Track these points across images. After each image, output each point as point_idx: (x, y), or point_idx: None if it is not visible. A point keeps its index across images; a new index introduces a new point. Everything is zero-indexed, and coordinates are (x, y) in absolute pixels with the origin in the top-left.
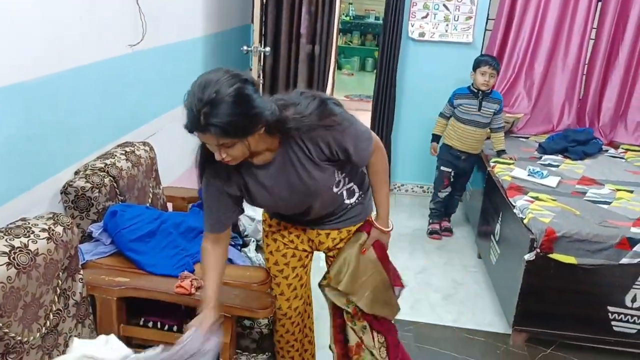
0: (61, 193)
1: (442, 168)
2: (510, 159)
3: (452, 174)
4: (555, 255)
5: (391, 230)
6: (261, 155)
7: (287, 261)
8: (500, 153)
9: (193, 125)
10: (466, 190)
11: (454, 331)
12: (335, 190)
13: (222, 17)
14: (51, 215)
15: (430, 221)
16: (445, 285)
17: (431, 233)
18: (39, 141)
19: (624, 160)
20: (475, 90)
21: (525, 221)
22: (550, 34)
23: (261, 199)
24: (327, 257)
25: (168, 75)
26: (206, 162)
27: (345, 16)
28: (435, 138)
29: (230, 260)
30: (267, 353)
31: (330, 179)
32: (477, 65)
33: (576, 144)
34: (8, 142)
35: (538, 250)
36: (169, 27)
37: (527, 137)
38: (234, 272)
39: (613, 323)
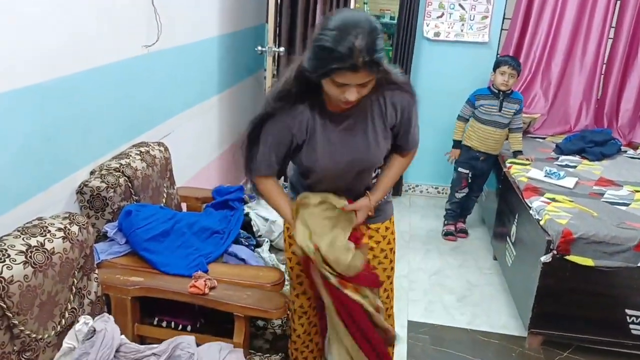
0: (77, 193)
1: (460, 169)
2: (527, 160)
3: (470, 175)
4: (572, 257)
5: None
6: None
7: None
8: (516, 154)
9: (352, 63)
10: (482, 192)
11: (469, 333)
12: (376, 171)
13: (236, 17)
14: (67, 215)
15: (446, 222)
16: (460, 287)
17: (446, 234)
18: (55, 141)
19: None
20: (496, 91)
21: (541, 222)
22: (567, 33)
23: (320, 154)
24: None
25: (182, 75)
26: (287, 97)
27: None
28: (457, 144)
29: (243, 261)
30: (280, 353)
31: (384, 152)
32: (497, 65)
33: (594, 144)
34: (25, 143)
35: (555, 252)
36: (184, 27)
37: (544, 138)
38: (248, 272)
39: (631, 326)
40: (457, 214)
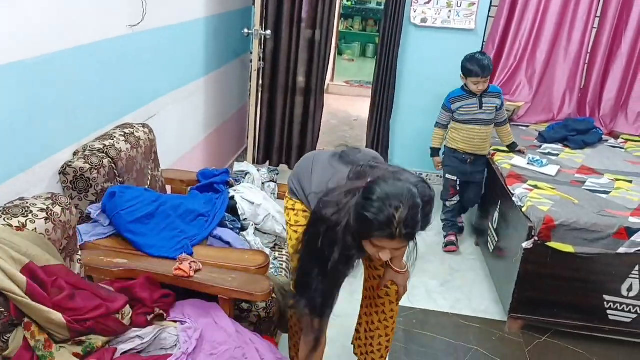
0: (60, 173)
1: (448, 176)
2: (523, 152)
3: (458, 182)
4: (553, 244)
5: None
6: None
7: None
8: (512, 147)
9: (390, 233)
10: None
11: (450, 317)
12: None
13: None
14: (49, 196)
15: (445, 233)
16: (442, 272)
17: (446, 245)
18: (37, 121)
19: (623, 151)
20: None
21: (523, 209)
22: (553, 23)
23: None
24: None
25: (168, 57)
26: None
27: (347, 1)
28: (435, 152)
29: (228, 244)
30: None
31: None
32: (467, 73)
33: (576, 133)
34: (6, 121)
35: (536, 238)
36: (170, 8)
37: (527, 126)
38: (233, 255)
39: (609, 312)
40: (454, 223)
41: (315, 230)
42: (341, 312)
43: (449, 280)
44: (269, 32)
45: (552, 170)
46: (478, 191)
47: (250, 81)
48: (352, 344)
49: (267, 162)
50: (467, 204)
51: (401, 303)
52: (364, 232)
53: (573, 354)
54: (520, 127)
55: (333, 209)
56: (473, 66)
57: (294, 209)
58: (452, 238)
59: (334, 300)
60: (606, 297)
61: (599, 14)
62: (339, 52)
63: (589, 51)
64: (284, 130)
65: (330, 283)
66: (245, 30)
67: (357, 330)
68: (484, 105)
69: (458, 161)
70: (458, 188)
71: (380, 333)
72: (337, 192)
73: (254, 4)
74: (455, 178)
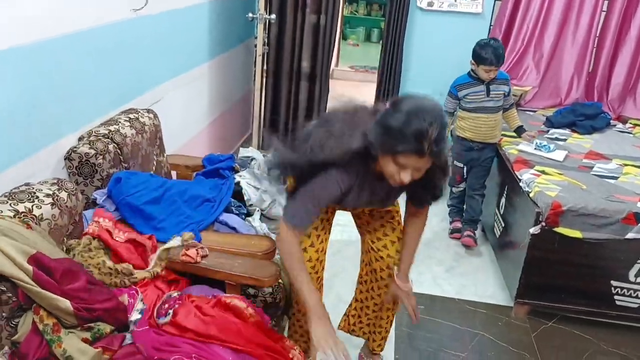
0: (65, 159)
1: (456, 163)
2: (533, 137)
3: (465, 168)
4: (560, 229)
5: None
6: None
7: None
8: (519, 131)
9: (419, 148)
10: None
11: (457, 303)
12: None
13: None
14: (55, 181)
15: (450, 219)
16: (448, 258)
17: (452, 232)
18: (41, 106)
19: (631, 135)
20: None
21: (531, 195)
22: (561, 6)
23: (354, 199)
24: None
25: (172, 41)
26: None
27: None
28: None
29: (234, 229)
30: (271, 321)
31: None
32: (480, 61)
33: (584, 118)
34: (10, 106)
35: (543, 223)
36: None
37: (535, 111)
38: (239, 240)
39: (616, 297)
40: (459, 209)
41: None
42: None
43: (454, 266)
44: (273, 16)
45: (559, 155)
46: (482, 176)
47: (255, 66)
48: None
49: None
50: (472, 191)
51: None
52: (390, 146)
53: (580, 339)
54: (528, 112)
55: (334, 140)
56: (488, 54)
57: None
58: (458, 224)
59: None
60: (613, 283)
61: None
62: (344, 37)
63: (597, 35)
64: (288, 115)
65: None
66: (250, 15)
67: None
68: (491, 92)
69: (466, 148)
70: (465, 175)
71: (381, 315)
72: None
73: None
74: (462, 165)
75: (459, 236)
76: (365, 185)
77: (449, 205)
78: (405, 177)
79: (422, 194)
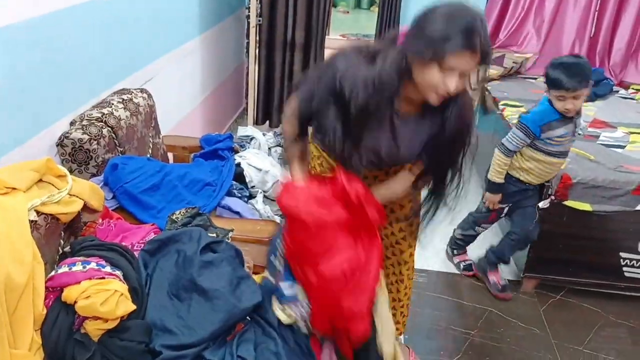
0: (57, 145)
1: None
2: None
3: (507, 208)
4: (570, 202)
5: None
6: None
7: None
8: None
9: (475, 44)
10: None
11: (463, 279)
12: None
13: None
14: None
15: (456, 252)
16: (452, 231)
17: (466, 269)
18: (29, 90)
19: (635, 102)
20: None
21: None
22: None
23: (371, 139)
24: None
25: (163, 15)
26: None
27: None
28: (499, 187)
29: (238, 214)
30: None
31: None
32: (551, 84)
33: None
34: None
35: (553, 197)
36: None
37: (536, 78)
38: (244, 226)
39: (624, 269)
40: (469, 243)
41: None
42: None
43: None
44: None
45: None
46: (533, 214)
47: (248, 38)
48: None
49: (267, 123)
50: (528, 234)
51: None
52: (435, 49)
53: (588, 311)
54: (529, 80)
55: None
56: (556, 72)
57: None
58: (468, 258)
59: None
60: (622, 255)
61: None
62: (334, 4)
63: None
64: (283, 88)
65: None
66: None
67: None
68: (576, 127)
69: (519, 190)
70: (503, 215)
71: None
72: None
73: None
74: (505, 206)
75: (476, 273)
76: (384, 124)
77: (457, 238)
78: (452, 83)
79: (438, 167)
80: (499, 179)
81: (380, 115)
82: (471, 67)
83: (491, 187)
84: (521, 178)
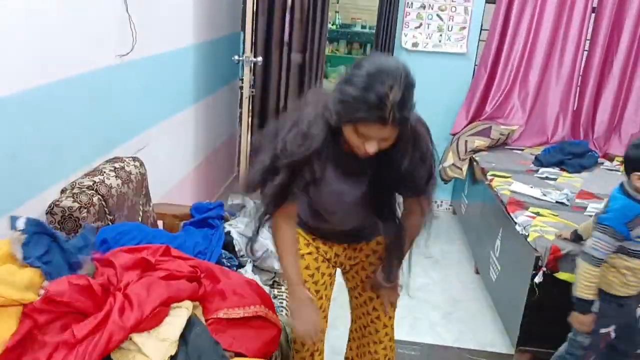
0: (47, 213)
1: (602, 331)
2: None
3: (615, 328)
4: (561, 275)
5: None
6: None
7: (318, 265)
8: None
9: (380, 116)
10: (461, 202)
11: (456, 352)
12: None
13: (212, 25)
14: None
15: None
16: (444, 303)
17: None
18: (21, 159)
19: (619, 173)
20: None
21: (529, 239)
22: (544, 45)
23: (327, 195)
24: (347, 272)
25: (158, 86)
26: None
27: (332, 24)
28: (588, 306)
29: None
30: None
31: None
32: (634, 165)
33: (572, 156)
34: None
35: (544, 269)
36: (160, 35)
37: (522, 149)
38: None
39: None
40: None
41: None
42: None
43: (451, 312)
44: (260, 58)
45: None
46: (634, 333)
47: (241, 108)
48: None
49: (260, 191)
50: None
51: (404, 336)
52: (348, 115)
53: None
54: (515, 151)
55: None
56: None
57: None
58: None
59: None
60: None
61: (589, 36)
62: (325, 76)
63: (580, 73)
64: None
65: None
66: (236, 57)
67: None
68: None
69: (616, 306)
70: (612, 338)
71: None
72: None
73: (242, 29)
74: (609, 328)
75: None
76: (340, 162)
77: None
78: (371, 148)
79: (407, 190)
80: (588, 294)
81: (320, 162)
82: (386, 134)
83: (581, 306)
84: (611, 291)
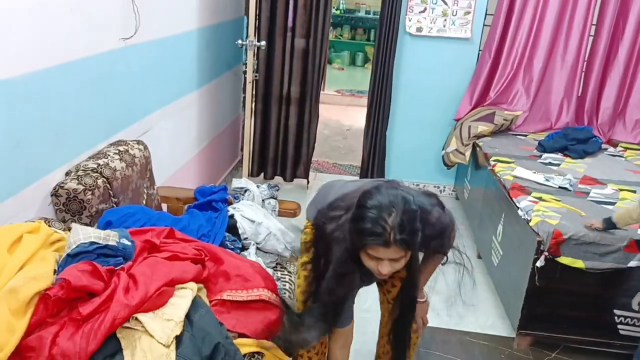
0: (51, 195)
1: None
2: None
3: None
4: (562, 259)
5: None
6: None
7: None
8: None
9: (383, 240)
10: (464, 188)
11: (457, 335)
12: None
13: (215, 10)
14: (41, 221)
15: None
16: (446, 288)
17: None
18: (26, 141)
19: (623, 159)
20: None
21: (531, 223)
22: (549, 30)
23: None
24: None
25: (162, 69)
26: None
27: (336, 9)
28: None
29: None
30: None
31: None
32: None
33: (576, 142)
34: None
35: (546, 254)
36: (163, 19)
37: (526, 135)
38: None
39: (619, 326)
40: None
41: (317, 249)
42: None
43: (452, 296)
44: (263, 43)
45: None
46: None
47: (245, 92)
48: None
49: (262, 175)
50: None
51: None
52: (358, 242)
53: None
54: (519, 137)
55: (334, 224)
56: None
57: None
58: None
59: (342, 309)
60: (617, 312)
61: (595, 21)
62: (329, 61)
63: (586, 59)
64: (278, 141)
65: (333, 299)
66: (240, 42)
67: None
68: None
69: None
70: None
71: None
72: (337, 204)
73: (246, 14)
74: None
75: None
76: (366, 272)
77: None
78: (384, 268)
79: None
80: (621, 225)
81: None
82: (393, 254)
83: (611, 225)
84: None
